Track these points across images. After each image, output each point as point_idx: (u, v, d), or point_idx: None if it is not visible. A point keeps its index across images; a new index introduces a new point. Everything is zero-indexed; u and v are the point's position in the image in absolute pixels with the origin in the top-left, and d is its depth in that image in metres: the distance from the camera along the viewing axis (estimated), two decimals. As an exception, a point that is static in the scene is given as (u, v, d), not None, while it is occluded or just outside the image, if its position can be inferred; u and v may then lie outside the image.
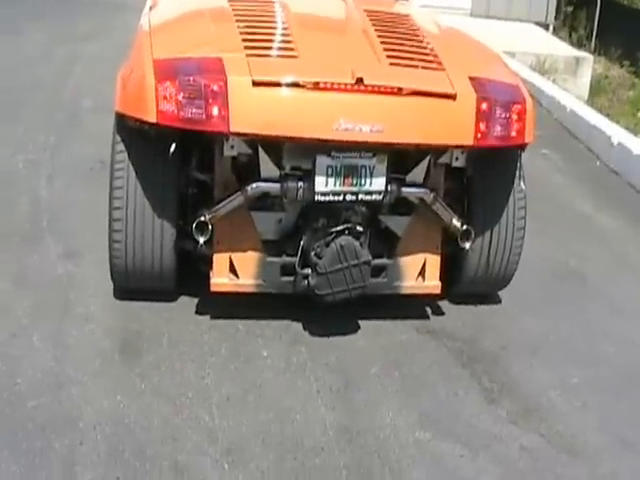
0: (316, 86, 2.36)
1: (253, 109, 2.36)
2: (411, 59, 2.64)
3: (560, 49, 6.77)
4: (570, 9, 8.07)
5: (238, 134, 2.38)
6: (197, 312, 2.90)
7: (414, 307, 3.05)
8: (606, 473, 2.33)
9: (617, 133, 4.96)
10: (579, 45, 7.36)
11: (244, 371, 2.61)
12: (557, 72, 6.36)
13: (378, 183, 2.53)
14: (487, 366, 2.79)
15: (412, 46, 2.75)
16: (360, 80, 2.36)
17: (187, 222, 2.71)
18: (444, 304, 3.13)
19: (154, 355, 2.63)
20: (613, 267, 3.69)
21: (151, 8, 3.36)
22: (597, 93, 6.14)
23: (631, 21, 7.25)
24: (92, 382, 2.47)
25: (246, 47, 2.51)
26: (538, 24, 7.71)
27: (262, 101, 2.37)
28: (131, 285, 2.86)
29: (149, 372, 2.54)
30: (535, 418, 2.54)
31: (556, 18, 8.02)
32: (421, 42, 2.80)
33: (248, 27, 2.68)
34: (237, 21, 2.72)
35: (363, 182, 2.51)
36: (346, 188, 2.51)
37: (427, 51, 2.73)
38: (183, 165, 2.68)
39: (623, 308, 3.31)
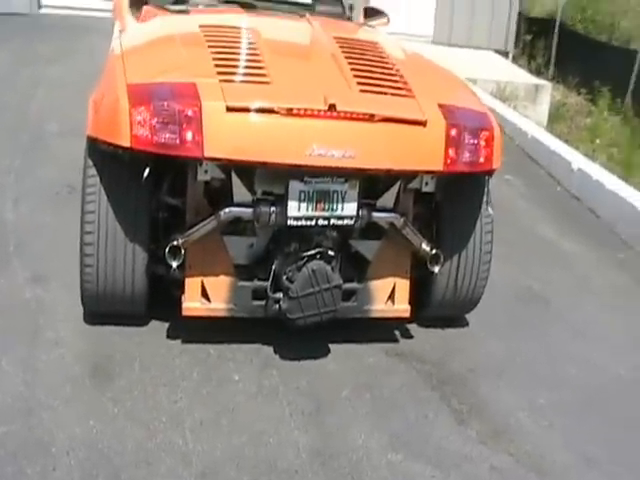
0: (289, 112, 2.41)
1: (227, 134, 2.39)
2: (381, 86, 2.70)
3: (520, 76, 6.96)
4: (529, 37, 8.32)
5: (212, 159, 2.41)
6: (168, 336, 2.90)
7: (383, 330, 3.09)
8: (573, 491, 2.39)
9: (577, 159, 5.12)
10: (538, 73, 7.57)
11: (216, 395, 2.61)
12: (517, 99, 6.54)
13: (350, 208, 2.57)
14: (456, 388, 2.84)
15: (381, 73, 2.81)
16: (333, 106, 2.41)
17: (159, 246, 2.71)
18: (412, 327, 3.18)
19: (126, 379, 2.62)
20: (575, 291, 3.79)
21: (121, 32, 3.39)
22: (556, 120, 6.32)
23: (588, 50, 7.49)
24: (63, 407, 2.45)
25: (219, 72, 2.54)
26: (498, 52, 7.93)
27: (236, 126, 2.40)
28: (102, 309, 2.84)
29: (121, 396, 2.53)
30: (504, 438, 2.59)
31: (515, 46, 8.26)
32: (390, 69, 2.87)
33: (220, 52, 2.71)
34: (209, 47, 2.75)
35: (335, 207, 2.55)
36: (318, 213, 2.55)
37: (396, 78, 2.79)
38: (154, 189, 2.69)
39: (584, 331, 3.40)
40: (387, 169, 2.56)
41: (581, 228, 4.57)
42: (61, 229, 3.62)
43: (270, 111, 2.41)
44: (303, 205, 2.52)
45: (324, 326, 2.78)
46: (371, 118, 2.48)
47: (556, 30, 7.53)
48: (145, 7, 3.57)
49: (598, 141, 5.58)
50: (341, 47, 2.94)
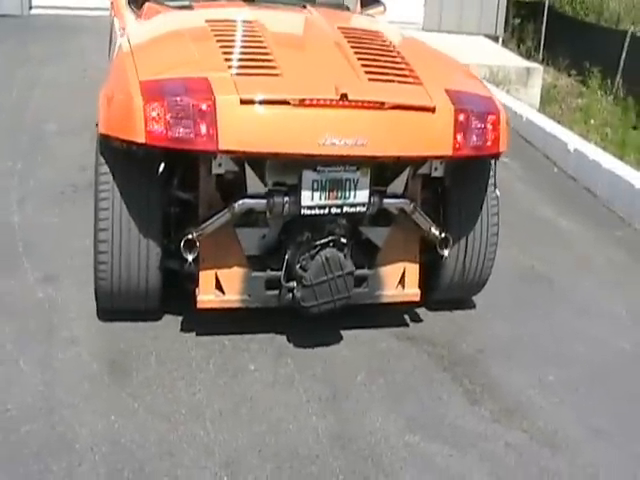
0: (302, 103, 2.43)
1: (241, 127, 2.41)
2: (388, 74, 2.73)
3: (511, 60, 7.00)
4: (518, 21, 8.35)
5: (226, 152, 2.43)
6: (182, 330, 2.94)
7: (392, 315, 3.13)
8: (586, 463, 2.45)
9: (572, 140, 5.17)
10: (527, 56, 7.62)
11: (233, 385, 2.65)
12: (510, 83, 6.58)
13: (362, 195, 2.61)
14: (467, 369, 2.89)
15: (387, 61, 2.84)
16: (344, 96, 2.44)
17: (171, 241, 2.75)
18: (420, 311, 3.23)
19: (143, 374, 2.66)
20: (576, 270, 3.85)
21: (123, 29, 3.41)
22: (548, 102, 6.37)
23: (577, 32, 7.53)
24: (84, 404, 2.48)
25: (230, 66, 2.57)
26: (488, 37, 7.96)
27: (250, 119, 2.43)
28: (116, 306, 2.87)
29: (140, 391, 2.57)
30: (517, 416, 2.65)
31: (505, 30, 8.29)
32: (395, 57, 2.90)
33: (229, 46, 2.74)
34: (218, 41, 2.77)
35: (347, 195, 2.59)
36: (331, 201, 2.58)
37: (402, 66, 2.83)
38: (165, 184, 2.72)
39: (588, 309, 3.45)
40: (398, 156, 2.60)
41: (579, 208, 4.63)
42: (68, 228, 3.65)
43: (283, 102, 2.43)
44: (316, 194, 2.56)
45: (334, 313, 2.82)
46: (381, 106, 2.52)
47: (545, 13, 7.56)
48: (147, 4, 3.58)
49: (593, 122, 5.63)
50: (346, 37, 2.97)
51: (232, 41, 2.80)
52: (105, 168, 2.66)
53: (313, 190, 2.55)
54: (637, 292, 3.67)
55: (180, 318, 3.00)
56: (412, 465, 2.37)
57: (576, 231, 4.33)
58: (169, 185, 2.73)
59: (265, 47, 2.77)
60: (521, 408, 2.70)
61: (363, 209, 2.64)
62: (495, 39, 8.07)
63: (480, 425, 2.59)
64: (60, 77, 6.17)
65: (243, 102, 2.40)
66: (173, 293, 2.92)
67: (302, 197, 2.55)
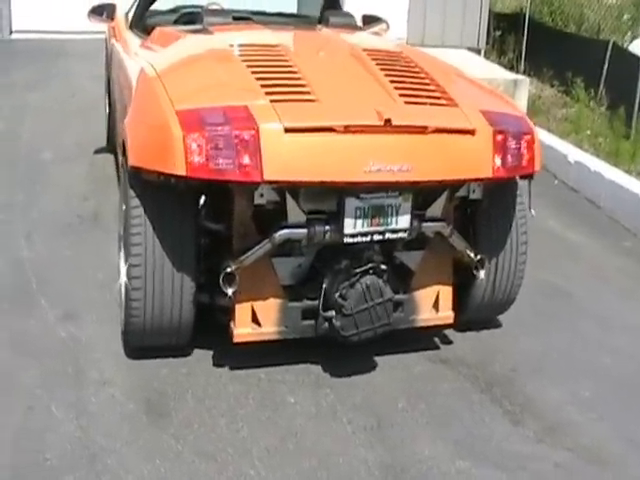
0: (347, 129, 2.40)
1: (285, 156, 2.37)
2: (421, 96, 2.71)
3: (497, 73, 7.05)
4: (499, 33, 8.45)
5: (271, 182, 2.38)
6: (214, 364, 2.87)
7: (422, 338, 3.11)
8: (634, 477, 2.45)
9: (571, 151, 5.22)
10: (510, 68, 7.69)
11: (276, 420, 2.60)
12: (497, 95, 6.59)
13: (403, 221, 2.58)
14: (504, 389, 2.88)
15: (417, 82, 2.83)
16: (388, 121, 2.41)
17: (203, 274, 2.69)
18: (449, 332, 3.21)
19: (183, 413, 2.59)
20: (592, 281, 3.87)
21: (134, 54, 3.35)
22: (534, 113, 6.41)
23: (557, 43, 7.62)
24: (126, 449, 2.40)
25: (267, 93, 2.52)
26: (471, 49, 8.03)
27: (294, 148, 2.38)
28: (147, 343, 2.79)
29: (182, 431, 2.50)
30: (559, 434, 2.64)
31: (486, 43, 8.38)
32: (424, 78, 2.88)
33: (260, 72, 2.69)
34: (248, 67, 2.73)
35: (390, 221, 2.56)
36: (373, 228, 2.55)
37: (432, 87, 2.81)
38: (197, 216, 2.66)
39: (609, 320, 3.47)
40: (440, 180, 2.58)
41: (584, 219, 4.67)
42: (81, 262, 3.57)
43: (327, 130, 2.40)
44: (359, 222, 2.52)
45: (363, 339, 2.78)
46: (424, 130, 2.50)
47: (526, 24, 7.67)
48: (158, 29, 3.52)
49: (588, 132, 5.70)
50: (373, 59, 2.95)
51: (262, 66, 2.75)
52: (136, 201, 2.58)
53: (356, 218, 2.51)
54: (654, 302, 3.71)
55: (211, 352, 2.93)
56: (467, 493, 2.34)
57: (585, 243, 4.36)
58: (200, 216, 2.67)
59: (296, 72, 2.72)
60: (562, 426, 2.69)
61: (405, 235, 2.61)
62: (477, 52, 8.15)
63: (526, 446, 2.57)
64: (48, 103, 6.06)
65: (287, 130, 2.36)
66: (200, 327, 2.85)
67: (345, 225, 2.51)
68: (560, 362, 3.11)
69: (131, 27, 3.84)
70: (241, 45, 2.99)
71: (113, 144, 4.76)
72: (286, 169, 2.37)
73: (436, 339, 3.17)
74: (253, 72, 2.68)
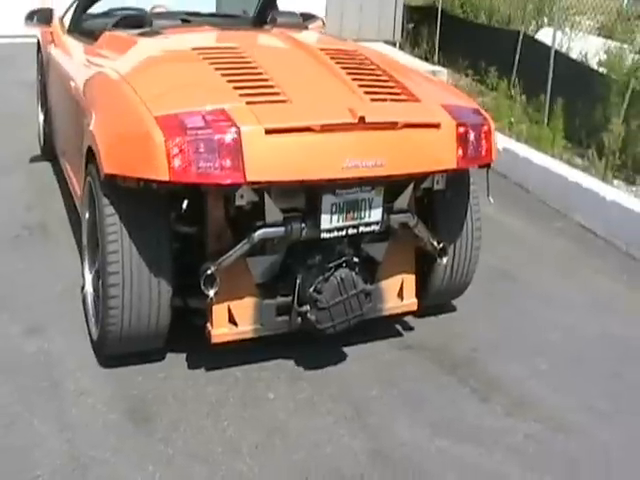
0: (323, 128, 2.47)
1: (267, 157, 2.41)
2: (384, 93, 2.81)
3: (416, 64, 7.28)
4: (412, 26, 8.70)
5: (253, 183, 2.43)
6: (190, 367, 2.89)
7: (385, 326, 3.22)
8: (596, 443, 2.64)
9: (499, 139, 5.43)
10: (424, 59, 7.94)
11: (259, 416, 2.65)
12: (417, 86, 6.79)
13: (376, 214, 2.68)
14: (468, 369, 3.03)
15: (378, 80, 2.92)
16: (362, 118, 2.50)
17: (179, 278, 2.70)
18: (408, 318, 3.35)
19: (167, 417, 2.60)
20: (531, 263, 4.10)
21: (87, 61, 3.29)
22: (454, 103, 6.67)
23: (470, 34, 7.93)
24: (116, 458, 2.40)
25: (240, 95, 2.56)
26: (387, 42, 8.25)
27: (274, 148, 2.43)
28: (122, 350, 2.78)
29: (170, 435, 2.51)
30: (525, 408, 2.81)
31: (401, 35, 8.62)
32: (381, 75, 2.98)
33: (229, 75, 2.72)
34: (216, 69, 2.75)
35: (363, 215, 2.65)
36: (348, 222, 2.63)
37: (393, 84, 2.91)
38: (172, 220, 2.66)
39: (553, 299, 3.68)
40: (411, 173, 2.69)
41: (516, 204, 4.92)
42: (36, 274, 3.49)
43: (305, 130, 2.46)
44: (334, 217, 2.60)
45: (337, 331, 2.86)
46: (394, 126, 2.60)
47: (439, 16, 7.93)
48: (106, 33, 3.46)
49: (513, 119, 5.97)
50: (332, 58, 3.03)
51: (230, 69, 2.78)
52: (110, 209, 2.56)
53: (332, 213, 2.59)
54: (589, 279, 3.97)
55: (184, 355, 2.94)
56: (450, 469, 2.47)
57: (520, 226, 4.61)
58: (174, 220, 2.67)
59: (261, 73, 2.77)
60: (526, 399, 2.86)
61: (377, 227, 2.71)
62: (393, 44, 8.38)
63: (497, 421, 2.73)
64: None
65: (267, 132, 2.41)
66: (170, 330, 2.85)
67: (322, 221, 2.58)
68: (515, 340, 3.30)
69: (69, 31, 3.75)
70: (203, 48, 3.00)
71: (48, 152, 4.64)
72: (267, 170, 2.42)
73: (398, 326, 3.29)
74: (223, 75, 2.71)
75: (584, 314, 3.57)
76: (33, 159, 4.92)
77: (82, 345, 2.94)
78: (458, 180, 3.02)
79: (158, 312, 2.66)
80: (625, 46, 6.65)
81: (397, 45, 8.48)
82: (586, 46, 6.95)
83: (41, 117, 4.81)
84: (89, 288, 2.99)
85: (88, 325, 2.99)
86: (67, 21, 4.02)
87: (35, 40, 5.03)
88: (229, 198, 2.50)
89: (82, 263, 3.09)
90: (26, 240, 3.76)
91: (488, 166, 2.99)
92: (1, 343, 2.96)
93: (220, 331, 2.73)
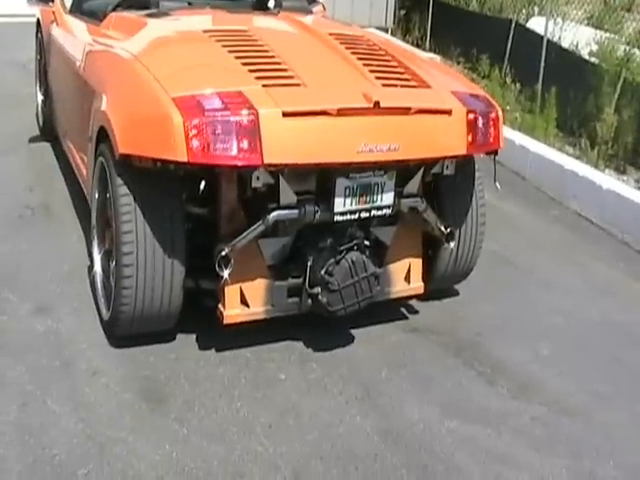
0: (340, 112, 2.48)
1: (284, 140, 2.43)
2: (394, 78, 2.83)
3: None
4: (403, 12, 8.70)
5: (270, 165, 2.44)
6: (201, 348, 2.91)
7: (391, 309, 3.26)
8: (599, 424, 2.70)
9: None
10: (416, 46, 7.95)
11: (272, 397, 2.68)
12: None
13: (388, 198, 2.71)
14: (473, 353, 3.08)
15: (388, 65, 2.94)
16: (377, 103, 2.52)
17: (193, 258, 2.71)
18: (413, 302, 3.38)
19: (181, 397, 2.62)
20: (530, 249, 4.15)
21: (92, 39, 3.26)
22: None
23: (462, 21, 7.95)
24: (133, 437, 2.41)
25: (256, 78, 2.56)
26: (379, 29, 8.23)
27: (292, 131, 2.44)
28: (134, 331, 2.79)
29: (185, 415, 2.54)
30: (530, 391, 2.87)
31: (393, 22, 8.62)
32: (390, 60, 3.00)
33: (242, 57, 2.72)
34: (229, 52, 2.75)
35: (375, 199, 2.68)
36: (361, 206, 2.66)
37: (402, 69, 2.94)
38: (185, 202, 2.67)
39: (553, 284, 3.74)
40: (423, 158, 2.72)
41: (514, 191, 4.95)
42: (41, 254, 3.48)
43: (322, 113, 2.47)
44: (348, 200, 2.63)
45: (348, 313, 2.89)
46: (407, 111, 2.62)
47: (430, 3, 7.95)
48: (114, 14, 3.44)
49: (508, 107, 6.02)
50: (342, 43, 3.04)
51: (243, 51, 2.78)
52: (124, 189, 2.56)
53: (345, 196, 2.62)
54: (587, 265, 4.04)
55: (194, 336, 2.96)
56: (460, 449, 2.51)
57: (518, 213, 4.66)
58: (187, 201, 2.68)
59: (274, 56, 2.78)
60: (531, 383, 2.92)
61: (389, 211, 2.74)
62: (385, 31, 8.37)
63: (503, 403, 2.78)
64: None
65: (285, 115, 2.42)
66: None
67: (335, 204, 2.61)
68: (517, 325, 3.35)
69: (71, 11, 3.71)
70: (215, 30, 2.99)
71: (48, 133, 4.60)
72: (284, 152, 2.43)
73: (403, 309, 3.33)
74: (236, 57, 2.71)
75: (583, 300, 3.64)
76: (32, 139, 4.88)
77: (92, 325, 2.95)
78: (465, 166, 3.05)
79: (171, 293, 2.67)
80: (615, 37, 6.72)
81: (389, 32, 8.47)
82: (577, 36, 7.01)
83: (40, 97, 4.75)
84: (98, 268, 2.98)
85: (98, 306, 2.99)
86: (69, 0, 3.98)
87: (34, 20, 4.98)
88: (244, 180, 2.51)
89: (90, 243, 3.08)
90: (29, 221, 3.73)
91: (495, 153, 3.02)
92: (11, 323, 2.96)
93: (232, 312, 2.75)
